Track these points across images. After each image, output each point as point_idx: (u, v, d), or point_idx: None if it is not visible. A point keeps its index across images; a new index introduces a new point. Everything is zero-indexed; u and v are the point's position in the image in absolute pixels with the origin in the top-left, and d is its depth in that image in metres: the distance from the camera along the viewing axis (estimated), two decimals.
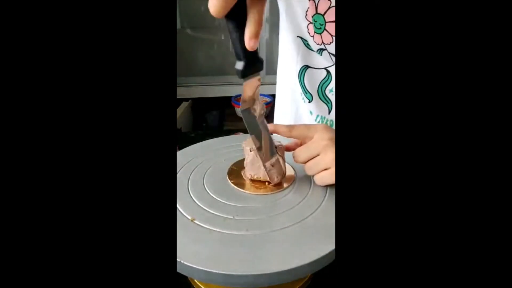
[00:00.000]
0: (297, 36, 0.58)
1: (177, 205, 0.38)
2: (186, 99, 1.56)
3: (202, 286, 0.40)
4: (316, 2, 0.51)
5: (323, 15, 0.52)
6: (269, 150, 0.40)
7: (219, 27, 1.59)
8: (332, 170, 0.38)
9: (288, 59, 0.62)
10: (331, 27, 0.52)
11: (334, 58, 0.56)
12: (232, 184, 0.42)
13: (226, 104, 1.62)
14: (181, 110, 1.43)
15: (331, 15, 0.51)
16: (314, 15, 0.52)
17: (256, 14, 0.29)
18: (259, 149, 0.40)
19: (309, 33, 0.55)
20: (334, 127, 0.58)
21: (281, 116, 0.70)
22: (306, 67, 0.60)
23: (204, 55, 1.65)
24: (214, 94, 1.61)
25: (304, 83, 0.61)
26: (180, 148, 0.54)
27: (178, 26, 1.54)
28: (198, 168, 0.47)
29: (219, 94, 1.62)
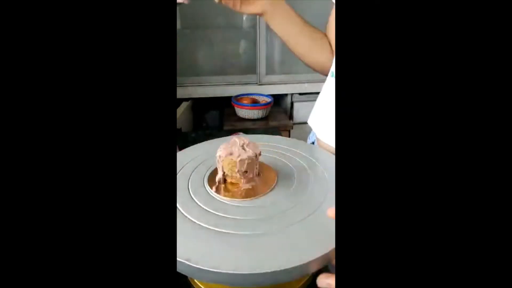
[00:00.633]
0: None
1: (177, 205, 0.38)
2: (186, 99, 1.56)
3: (202, 286, 0.40)
4: None
5: None
6: None
7: (219, 27, 1.59)
8: None
9: None
10: None
11: None
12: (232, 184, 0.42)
13: (226, 104, 1.62)
14: (181, 110, 1.43)
15: None
16: None
17: None
18: None
19: None
20: None
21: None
22: None
23: (204, 55, 1.65)
24: (214, 94, 1.61)
25: None
26: (180, 148, 0.54)
27: (178, 26, 1.54)
28: (198, 168, 0.47)
29: (219, 94, 1.62)
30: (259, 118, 1.50)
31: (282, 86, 1.65)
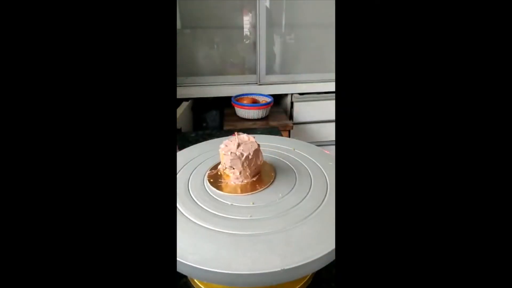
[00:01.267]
0: None
1: (177, 205, 0.38)
2: (186, 99, 1.56)
3: (202, 286, 0.40)
4: None
5: None
6: None
7: (219, 27, 1.59)
8: None
9: None
10: None
11: None
12: (232, 184, 0.42)
13: (226, 104, 1.62)
14: (181, 110, 1.43)
15: None
16: None
17: None
18: None
19: None
20: None
21: None
22: None
23: (204, 55, 1.65)
24: (214, 94, 1.61)
25: None
26: (180, 148, 0.54)
27: (178, 26, 1.54)
28: (198, 168, 0.47)
29: (219, 94, 1.62)
30: (259, 118, 1.50)
31: (282, 86, 1.65)
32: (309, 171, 0.46)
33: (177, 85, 1.58)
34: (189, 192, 0.41)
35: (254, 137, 0.44)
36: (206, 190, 0.42)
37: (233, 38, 1.63)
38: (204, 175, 0.45)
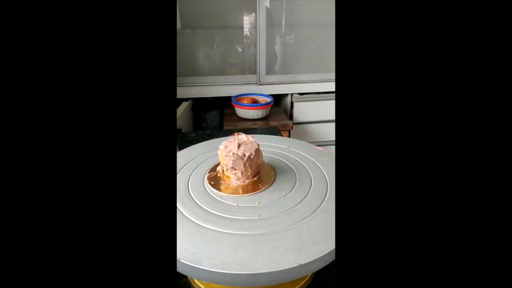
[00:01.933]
0: None
1: (177, 205, 0.38)
2: (186, 99, 1.56)
3: (202, 286, 0.40)
4: None
5: None
6: None
7: (219, 27, 1.59)
8: None
9: None
10: None
11: None
12: (232, 184, 0.42)
13: (226, 104, 1.62)
14: (181, 110, 1.43)
15: None
16: None
17: None
18: None
19: None
20: None
21: None
22: None
23: (204, 55, 1.65)
24: (214, 94, 1.61)
25: None
26: (180, 148, 0.54)
27: (178, 26, 1.54)
28: (198, 168, 0.47)
29: (219, 94, 1.62)
30: (259, 118, 1.50)
31: (282, 86, 1.65)
32: (309, 171, 0.46)
33: (177, 85, 1.58)
34: (189, 192, 0.41)
35: (253, 137, 0.44)
36: (206, 190, 0.42)
37: (233, 38, 1.63)
38: (204, 176, 0.45)
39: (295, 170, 0.46)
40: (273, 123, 1.47)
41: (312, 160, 0.48)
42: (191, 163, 0.48)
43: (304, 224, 0.35)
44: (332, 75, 1.66)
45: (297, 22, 1.62)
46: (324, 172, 0.45)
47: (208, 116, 1.66)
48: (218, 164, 0.46)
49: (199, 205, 0.38)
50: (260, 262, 0.30)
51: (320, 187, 0.41)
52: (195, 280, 0.41)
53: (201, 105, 1.67)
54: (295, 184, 0.42)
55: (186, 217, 0.36)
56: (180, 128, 1.31)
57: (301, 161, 0.49)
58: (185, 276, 0.41)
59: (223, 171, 0.43)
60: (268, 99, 1.56)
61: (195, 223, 0.35)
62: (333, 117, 1.65)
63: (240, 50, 1.66)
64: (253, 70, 1.65)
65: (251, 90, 1.64)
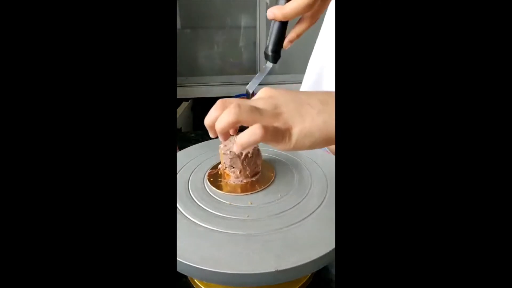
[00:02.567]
0: None
1: (177, 205, 0.38)
2: (186, 99, 1.56)
3: (202, 286, 0.40)
4: None
5: None
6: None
7: (219, 27, 1.60)
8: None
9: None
10: None
11: None
12: (232, 184, 0.43)
13: None
14: (181, 110, 1.43)
15: None
16: None
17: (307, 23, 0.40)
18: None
19: None
20: None
21: None
22: None
23: (204, 55, 1.65)
24: (214, 94, 1.62)
25: None
26: (180, 148, 0.54)
27: (178, 26, 1.54)
28: (198, 168, 0.47)
29: (219, 94, 1.62)
30: None
31: (282, 86, 1.65)
32: (309, 171, 0.46)
33: (177, 85, 1.58)
34: (189, 192, 0.41)
35: None
36: (206, 190, 0.42)
37: (233, 38, 1.63)
38: (204, 175, 0.45)
39: (295, 172, 0.46)
40: None
41: (314, 162, 0.48)
42: (191, 163, 0.48)
43: (290, 230, 0.34)
44: None
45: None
46: (325, 175, 0.45)
47: None
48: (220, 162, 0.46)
49: (199, 205, 0.38)
50: (260, 262, 0.30)
51: (318, 192, 0.41)
52: (195, 280, 0.41)
53: (201, 105, 1.67)
54: (292, 187, 0.42)
55: (186, 217, 0.36)
56: (180, 128, 1.31)
57: (301, 161, 0.49)
58: (185, 276, 0.41)
59: (224, 169, 0.44)
60: None
61: (195, 223, 0.35)
62: None
63: (240, 50, 1.66)
64: (253, 70, 1.65)
65: None
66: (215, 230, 0.34)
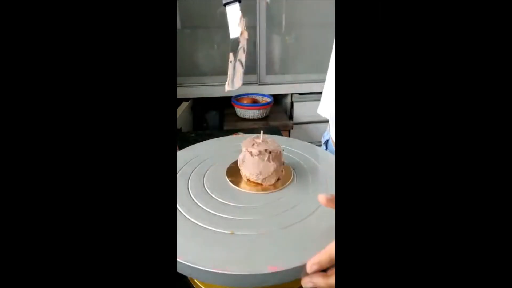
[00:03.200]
0: None
1: (177, 205, 0.38)
2: (186, 99, 1.56)
3: (202, 286, 0.40)
4: None
5: None
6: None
7: (219, 27, 1.59)
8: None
9: None
10: None
11: None
12: (232, 184, 0.42)
13: (226, 104, 1.62)
14: (181, 110, 1.43)
15: None
16: None
17: None
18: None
19: None
20: None
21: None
22: None
23: (204, 55, 1.65)
24: (214, 94, 1.61)
25: None
26: (180, 148, 0.54)
27: (178, 26, 1.54)
28: (198, 168, 0.47)
29: (219, 94, 1.62)
30: (259, 118, 1.50)
31: (282, 86, 1.65)
32: (309, 171, 0.46)
33: (177, 85, 1.58)
34: (189, 192, 0.41)
35: (267, 138, 0.44)
36: (205, 190, 0.42)
37: None
38: (204, 175, 0.45)
39: (295, 174, 0.45)
40: (273, 123, 1.47)
41: (316, 164, 0.48)
42: (191, 163, 0.48)
43: (290, 230, 0.34)
44: None
45: (297, 22, 1.62)
46: (326, 177, 0.45)
47: (208, 116, 1.66)
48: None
49: (198, 206, 0.38)
50: (260, 262, 0.30)
51: (315, 198, 0.40)
52: (195, 280, 0.40)
53: (201, 105, 1.67)
54: (292, 186, 0.42)
55: (186, 217, 0.36)
56: (180, 128, 1.31)
57: (301, 162, 0.49)
58: (185, 276, 0.41)
59: (240, 165, 0.43)
60: (268, 99, 1.56)
61: (195, 223, 0.35)
62: None
63: None
64: (253, 70, 1.65)
65: (251, 90, 1.64)
66: (215, 230, 0.34)
